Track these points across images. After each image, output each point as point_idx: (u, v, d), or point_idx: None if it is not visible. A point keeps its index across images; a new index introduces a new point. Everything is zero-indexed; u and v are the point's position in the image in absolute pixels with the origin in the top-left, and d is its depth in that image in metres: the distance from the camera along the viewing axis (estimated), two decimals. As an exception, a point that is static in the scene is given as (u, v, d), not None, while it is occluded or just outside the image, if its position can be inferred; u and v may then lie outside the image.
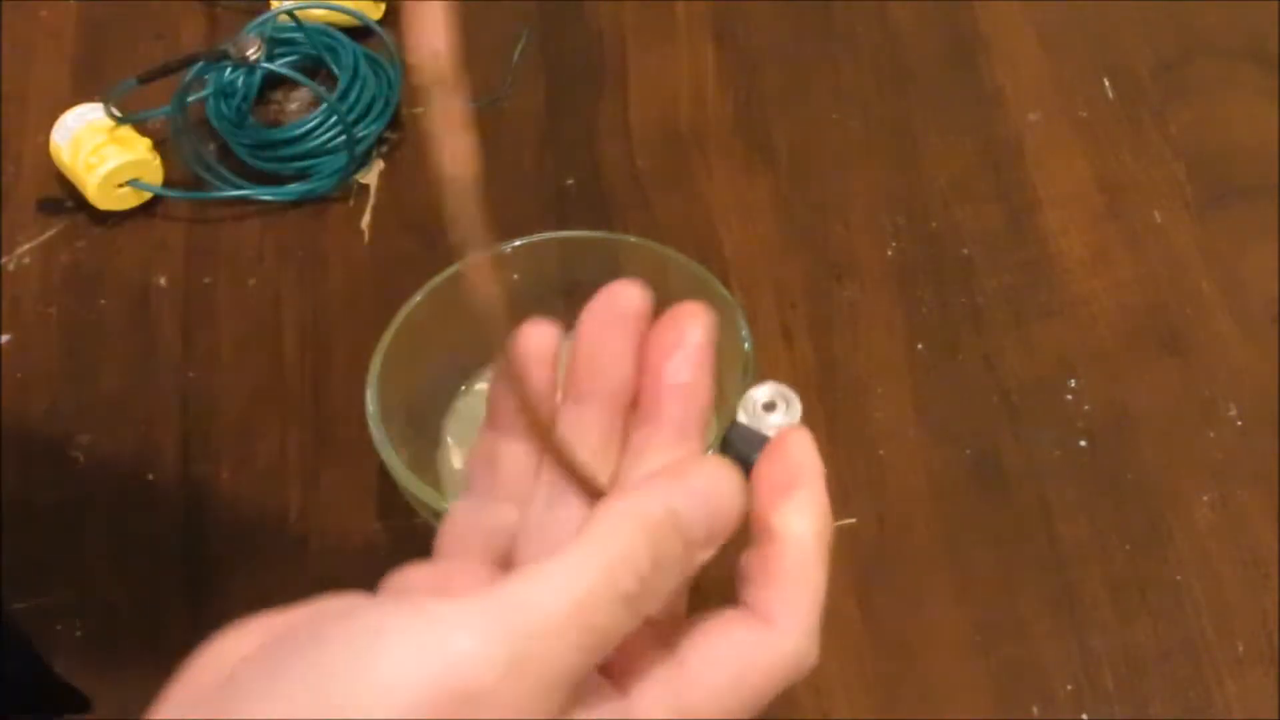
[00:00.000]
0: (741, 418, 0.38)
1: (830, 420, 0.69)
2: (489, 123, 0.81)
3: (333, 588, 0.62)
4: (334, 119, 0.79)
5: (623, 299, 0.38)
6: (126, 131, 0.79)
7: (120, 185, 0.78)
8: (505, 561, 0.37)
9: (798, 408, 0.38)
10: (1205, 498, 0.65)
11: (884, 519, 0.66)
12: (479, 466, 0.38)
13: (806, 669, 0.36)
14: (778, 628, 0.35)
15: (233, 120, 0.81)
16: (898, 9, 0.83)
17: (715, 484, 0.35)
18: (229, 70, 0.81)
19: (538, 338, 0.38)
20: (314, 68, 0.82)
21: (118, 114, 0.78)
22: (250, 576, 0.66)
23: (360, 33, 0.83)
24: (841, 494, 0.66)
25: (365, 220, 0.78)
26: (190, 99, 0.80)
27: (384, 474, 0.64)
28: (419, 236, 0.77)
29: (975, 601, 0.63)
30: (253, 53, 0.78)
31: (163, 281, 0.77)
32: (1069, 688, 0.61)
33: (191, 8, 0.88)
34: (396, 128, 0.81)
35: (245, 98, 0.82)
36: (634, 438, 0.38)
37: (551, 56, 0.83)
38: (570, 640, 0.31)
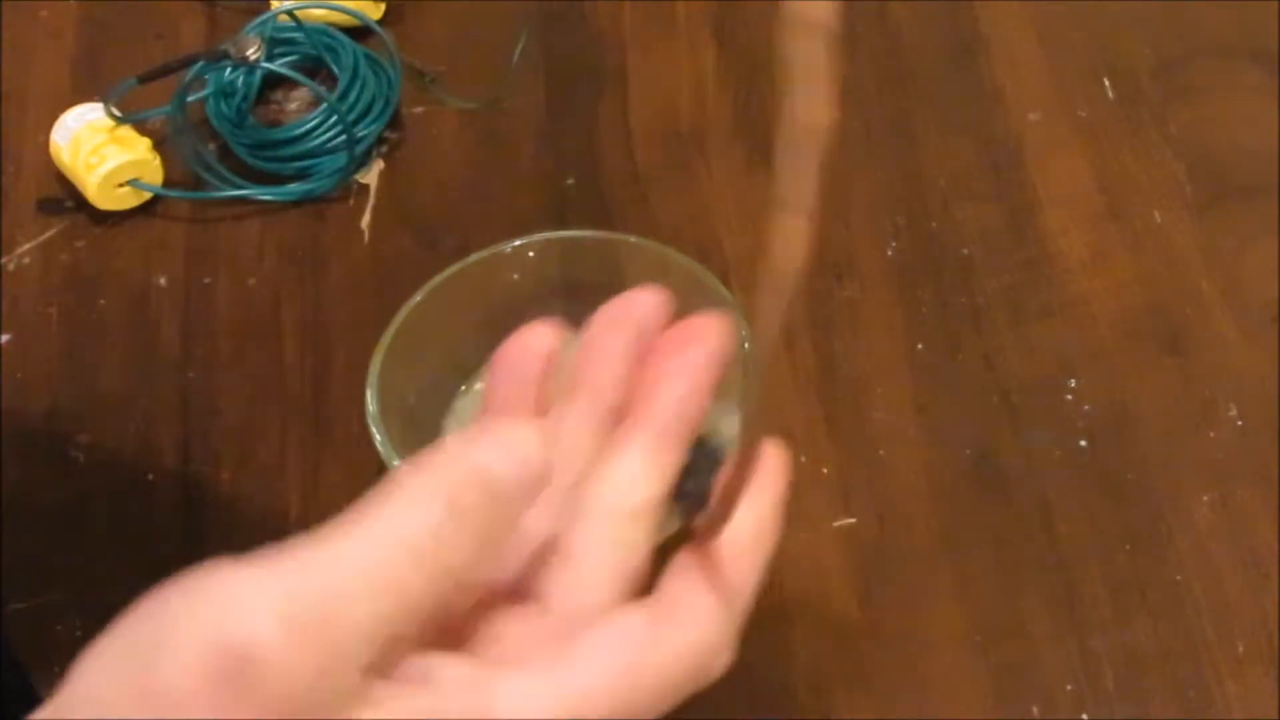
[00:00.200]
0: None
1: (830, 420, 0.69)
2: (489, 123, 0.81)
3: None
4: (334, 119, 0.79)
5: (634, 304, 0.38)
6: (126, 131, 0.79)
7: (120, 185, 0.78)
8: None
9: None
10: (1205, 498, 0.65)
11: (884, 519, 0.66)
12: None
13: (717, 669, 0.34)
14: (677, 619, 0.33)
15: (233, 120, 0.81)
16: (898, 9, 0.83)
17: (517, 434, 0.33)
18: (229, 70, 0.81)
19: (537, 337, 0.38)
20: (314, 68, 0.82)
21: (118, 114, 0.78)
22: (250, 576, 0.66)
23: (360, 33, 0.83)
24: (842, 494, 0.66)
25: (365, 220, 0.78)
26: (190, 99, 0.80)
27: (384, 474, 0.64)
28: (419, 236, 0.77)
29: (975, 601, 0.63)
30: (253, 53, 0.78)
31: (163, 281, 0.77)
32: (1069, 688, 0.61)
33: (191, 8, 0.88)
34: (396, 128, 0.81)
35: (245, 98, 0.82)
36: (615, 434, 0.37)
37: (551, 56, 0.83)
38: (361, 602, 0.30)
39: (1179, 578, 0.63)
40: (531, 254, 0.68)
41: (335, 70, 0.81)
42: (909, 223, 0.75)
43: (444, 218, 0.78)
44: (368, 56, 0.82)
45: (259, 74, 0.81)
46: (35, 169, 0.81)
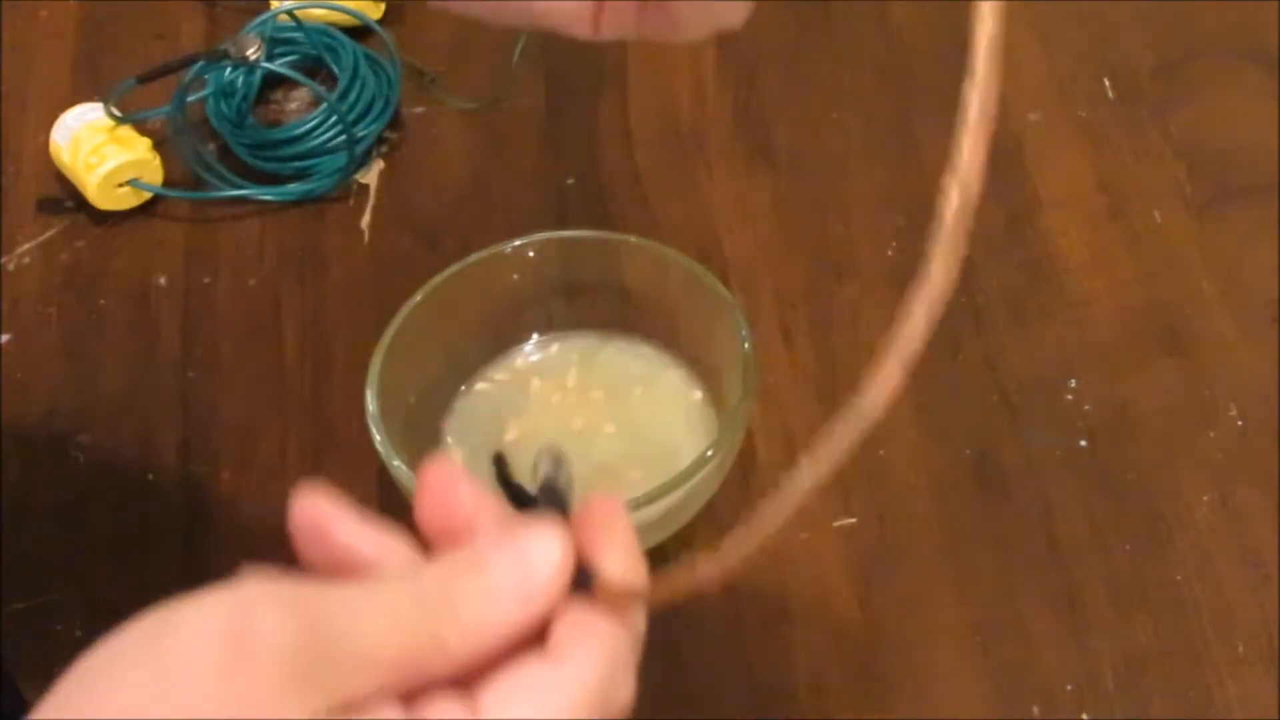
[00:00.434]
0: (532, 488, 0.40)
1: (830, 420, 0.68)
2: (489, 123, 0.81)
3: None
4: (334, 119, 0.79)
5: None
6: (126, 131, 0.79)
7: (120, 185, 0.78)
8: None
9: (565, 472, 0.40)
10: (1205, 498, 0.65)
11: (884, 519, 0.66)
12: None
13: (616, 708, 0.35)
14: (565, 666, 0.35)
15: (233, 120, 0.81)
16: (898, 9, 0.83)
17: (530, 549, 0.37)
18: (229, 70, 0.81)
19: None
20: (314, 68, 0.82)
21: (118, 114, 0.78)
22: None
23: (360, 33, 0.83)
24: (841, 494, 0.66)
25: (365, 220, 0.78)
26: (190, 99, 0.80)
27: (384, 474, 0.64)
28: (419, 236, 0.77)
29: (975, 601, 0.63)
30: (253, 53, 0.78)
31: (163, 281, 0.77)
32: (1069, 688, 0.61)
33: (191, 8, 0.88)
34: (396, 128, 0.81)
35: (245, 98, 0.82)
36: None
37: (551, 56, 0.83)
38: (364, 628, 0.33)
39: (1179, 578, 0.63)
40: (531, 254, 0.69)
41: (335, 70, 0.81)
42: (909, 223, 0.75)
43: (444, 218, 0.78)
44: (368, 56, 0.82)
45: (259, 74, 0.81)
46: (35, 169, 0.81)
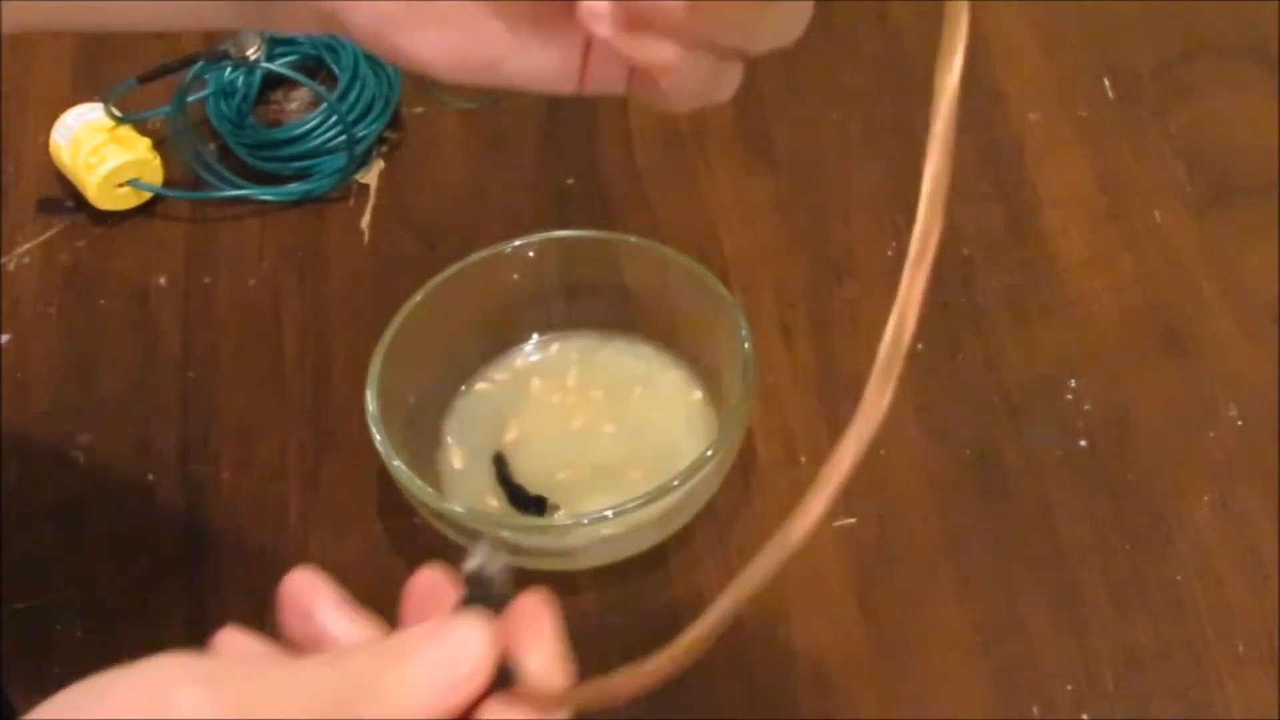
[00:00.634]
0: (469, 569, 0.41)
1: (830, 420, 0.69)
2: (489, 123, 0.81)
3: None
4: (334, 119, 0.79)
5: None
6: (126, 131, 0.79)
7: (120, 185, 0.78)
8: None
9: (499, 560, 0.41)
10: (1205, 498, 0.65)
11: (884, 519, 0.66)
12: None
13: None
14: None
15: (233, 120, 0.81)
16: (898, 9, 0.83)
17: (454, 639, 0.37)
18: (229, 70, 0.81)
19: (300, 583, 0.40)
20: (314, 67, 0.82)
21: (118, 114, 0.78)
22: (250, 576, 0.66)
23: (360, 33, 0.83)
24: (842, 494, 0.66)
25: (365, 220, 0.78)
26: (190, 99, 0.80)
27: (384, 474, 0.64)
28: (419, 236, 0.77)
29: (975, 601, 0.63)
30: (253, 52, 0.78)
31: (163, 281, 0.77)
32: (1069, 688, 0.61)
33: (191, 8, 0.87)
34: (396, 128, 0.81)
35: (245, 98, 0.82)
36: None
37: (551, 56, 0.83)
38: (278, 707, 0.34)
39: (1179, 578, 0.63)
40: (531, 254, 0.69)
41: (335, 70, 0.81)
42: (909, 222, 0.74)
43: (444, 218, 0.78)
44: (368, 56, 0.82)
45: (259, 74, 0.81)
46: (35, 169, 0.81)
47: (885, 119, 0.79)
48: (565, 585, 0.65)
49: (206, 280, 0.77)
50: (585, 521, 0.61)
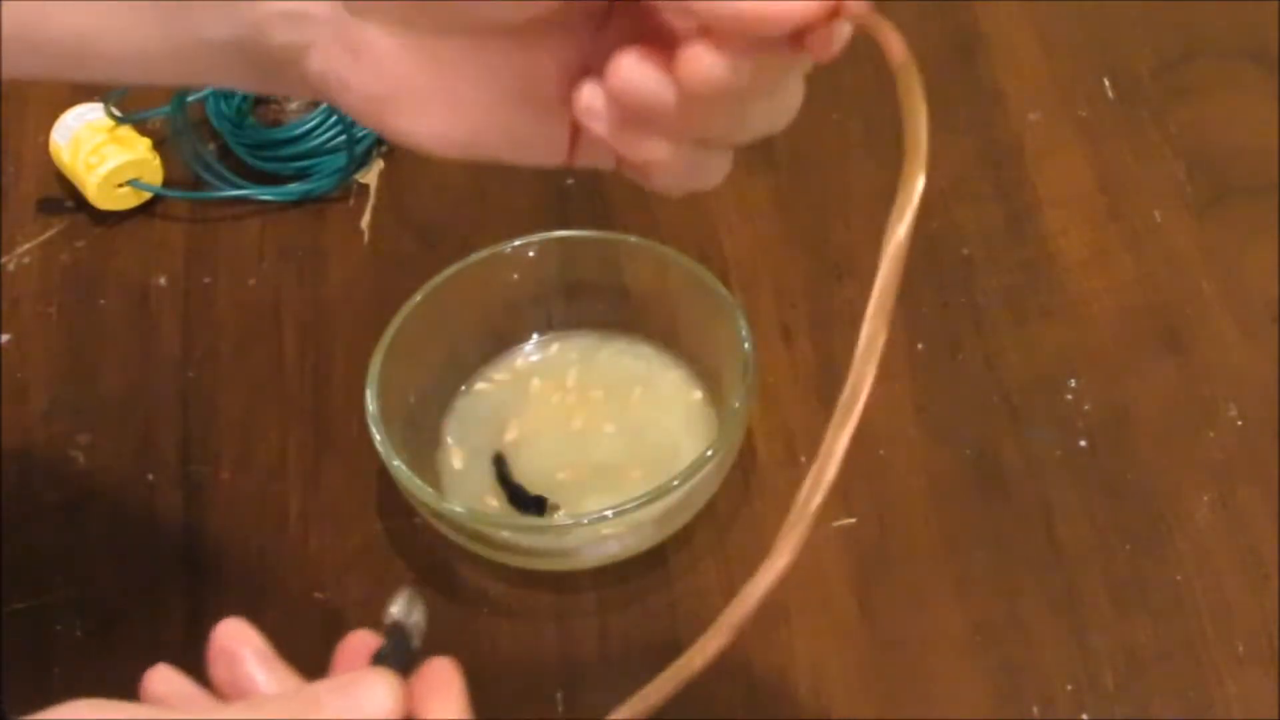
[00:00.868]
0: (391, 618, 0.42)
1: (829, 419, 0.68)
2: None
3: (333, 588, 0.63)
4: (334, 119, 0.79)
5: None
6: (126, 131, 0.79)
7: (120, 185, 0.78)
8: None
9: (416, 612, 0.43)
10: (1205, 498, 0.65)
11: (884, 519, 0.66)
12: None
13: None
14: None
15: (233, 120, 0.81)
16: (898, 9, 0.83)
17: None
18: (229, 70, 0.81)
19: (229, 632, 0.41)
20: (314, 68, 0.82)
21: (118, 114, 0.78)
22: (250, 576, 0.66)
23: (360, 33, 0.83)
24: (842, 494, 0.66)
25: (365, 220, 0.78)
26: (190, 99, 0.80)
27: (384, 474, 0.64)
28: (419, 236, 0.77)
29: (975, 601, 0.63)
30: (253, 53, 0.78)
31: (163, 281, 0.77)
32: (1069, 688, 0.61)
33: (191, 8, 0.87)
34: (396, 128, 0.81)
35: (245, 98, 0.82)
36: None
37: (551, 56, 0.83)
38: None
39: (1179, 578, 0.63)
40: (531, 254, 0.69)
41: (335, 70, 0.81)
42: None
43: (444, 218, 0.78)
44: (368, 56, 0.82)
45: (259, 74, 0.81)
46: (35, 169, 0.81)
47: (885, 119, 0.79)
48: (565, 585, 0.65)
49: (206, 280, 0.77)
50: (585, 521, 0.61)
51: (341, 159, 0.79)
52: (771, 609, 0.63)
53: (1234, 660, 0.61)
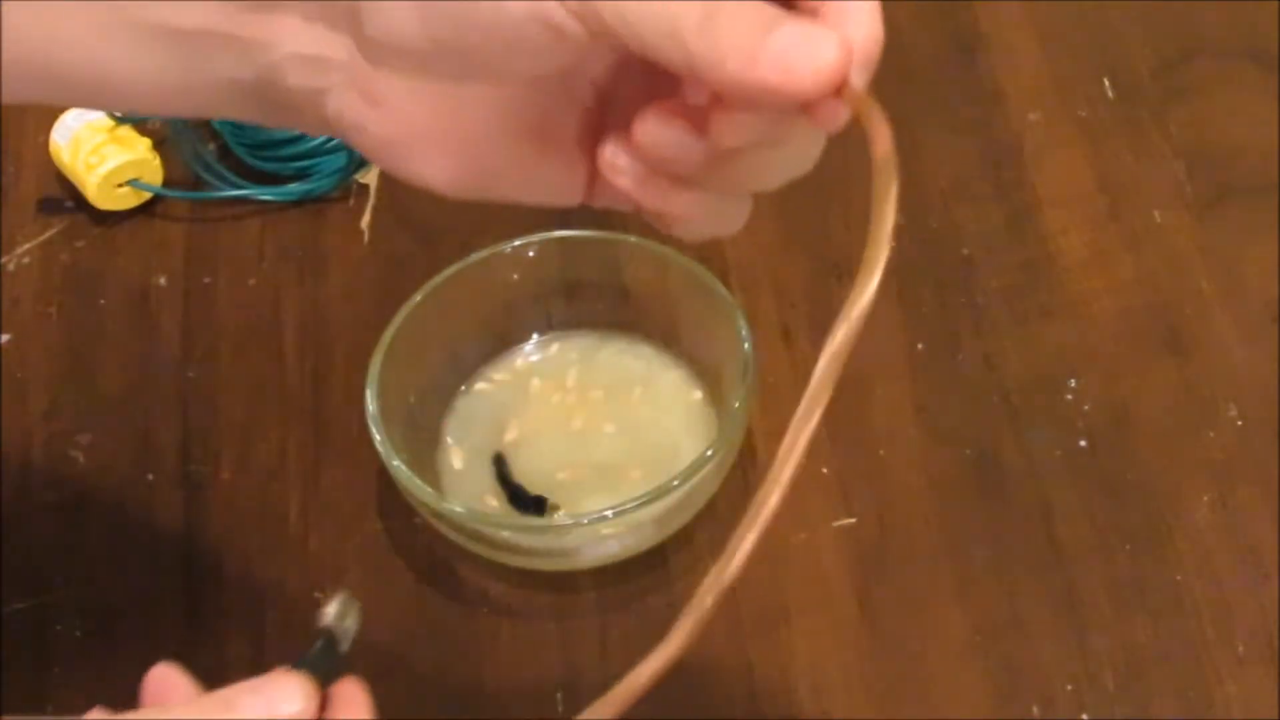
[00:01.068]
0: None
1: (830, 420, 0.68)
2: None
3: (333, 588, 0.63)
4: (334, 119, 0.79)
5: None
6: (126, 131, 0.79)
7: (120, 185, 0.78)
8: None
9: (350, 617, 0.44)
10: (1205, 498, 0.65)
11: (884, 519, 0.66)
12: None
13: None
14: None
15: (233, 120, 0.81)
16: (898, 9, 0.83)
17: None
18: (229, 70, 0.81)
19: (160, 677, 0.42)
20: (314, 68, 0.82)
21: (118, 114, 0.78)
22: (250, 576, 0.66)
23: (360, 33, 0.83)
24: (842, 494, 0.66)
25: (365, 220, 0.78)
26: (190, 99, 0.80)
27: (384, 474, 0.64)
28: (419, 236, 0.77)
29: (975, 601, 0.63)
30: (253, 53, 0.78)
31: (163, 281, 0.77)
32: (1069, 688, 0.61)
33: (191, 8, 0.87)
34: (396, 128, 0.81)
35: (245, 98, 0.82)
36: None
37: (551, 56, 0.83)
38: None
39: (1179, 578, 0.63)
40: (531, 254, 0.69)
41: (335, 70, 0.81)
42: (909, 223, 0.75)
43: (444, 218, 0.78)
44: (368, 56, 0.82)
45: (259, 74, 0.81)
46: (35, 169, 0.81)
47: (885, 120, 0.79)
48: (565, 585, 0.65)
49: (206, 280, 0.77)
50: (585, 521, 0.61)
51: (341, 159, 0.79)
52: (771, 609, 0.63)
53: (1234, 660, 0.61)
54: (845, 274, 0.73)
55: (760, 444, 0.67)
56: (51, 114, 0.80)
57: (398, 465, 0.62)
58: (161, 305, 0.76)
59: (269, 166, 0.80)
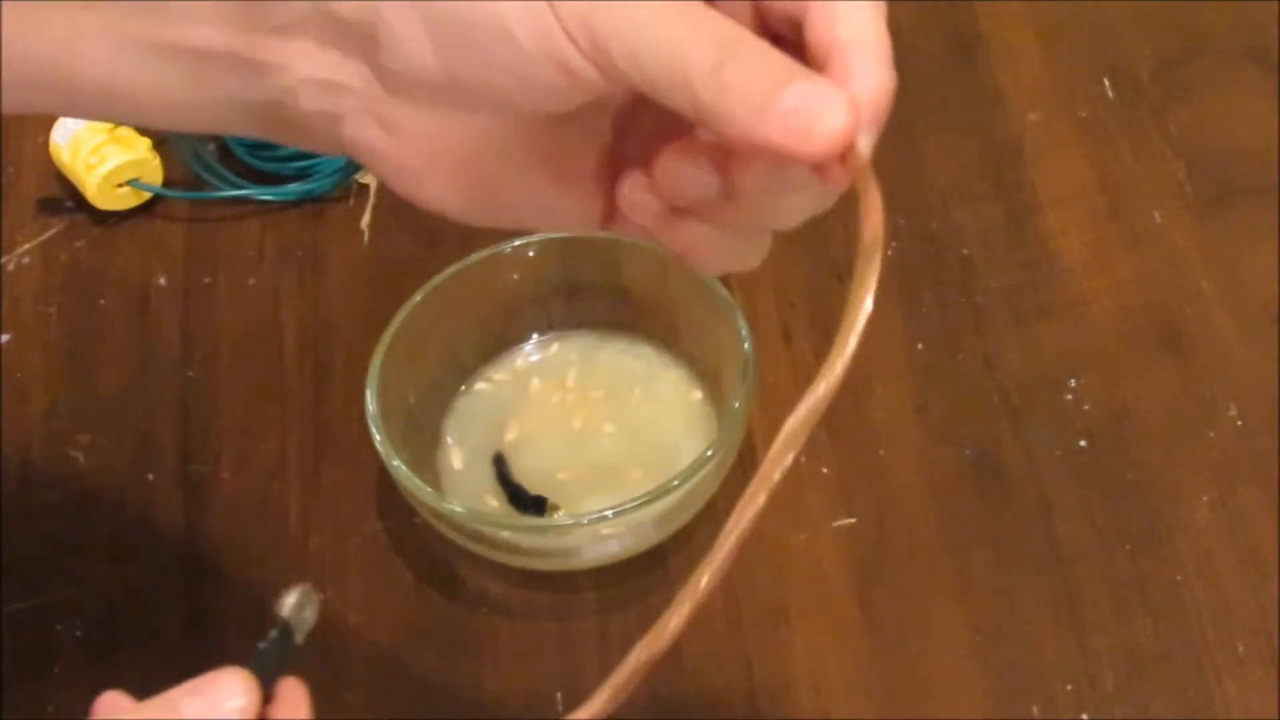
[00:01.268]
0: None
1: (830, 420, 0.68)
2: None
3: (333, 588, 0.63)
4: (334, 119, 0.79)
5: None
6: (126, 131, 0.79)
7: (120, 185, 0.78)
8: None
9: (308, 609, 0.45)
10: (1205, 498, 0.65)
11: (884, 519, 0.66)
12: None
13: None
14: None
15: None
16: (898, 9, 0.83)
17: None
18: (229, 70, 0.81)
19: (109, 702, 0.43)
20: (314, 68, 0.82)
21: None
22: (250, 576, 0.66)
23: (360, 33, 0.83)
24: (842, 494, 0.66)
25: (365, 220, 0.78)
26: (190, 99, 0.80)
27: (384, 474, 0.64)
28: (419, 236, 0.77)
29: (975, 601, 0.63)
30: (253, 53, 0.78)
31: (163, 281, 0.77)
32: (1069, 688, 0.61)
33: (191, 8, 0.87)
34: (396, 128, 0.81)
35: (245, 98, 0.81)
36: None
37: (551, 56, 0.83)
38: None
39: (1179, 578, 0.63)
40: (531, 254, 0.69)
41: (335, 70, 0.81)
42: (909, 223, 0.75)
43: (444, 218, 0.78)
44: (368, 56, 0.82)
45: (259, 74, 0.81)
46: (35, 169, 0.81)
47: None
48: (565, 585, 0.65)
49: (206, 280, 0.77)
50: (585, 521, 0.61)
51: (341, 159, 0.79)
52: (771, 609, 0.63)
53: (1234, 660, 0.61)
54: (845, 274, 0.73)
55: (760, 444, 0.67)
56: (52, 114, 0.80)
57: (398, 465, 0.62)
58: (161, 305, 0.76)
59: (269, 166, 0.80)
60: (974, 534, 0.65)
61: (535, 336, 0.70)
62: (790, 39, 0.39)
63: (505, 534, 0.62)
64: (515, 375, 0.70)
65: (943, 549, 0.65)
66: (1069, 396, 0.68)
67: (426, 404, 0.67)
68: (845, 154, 0.36)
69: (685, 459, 0.61)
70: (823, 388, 0.37)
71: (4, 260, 0.78)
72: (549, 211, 0.43)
